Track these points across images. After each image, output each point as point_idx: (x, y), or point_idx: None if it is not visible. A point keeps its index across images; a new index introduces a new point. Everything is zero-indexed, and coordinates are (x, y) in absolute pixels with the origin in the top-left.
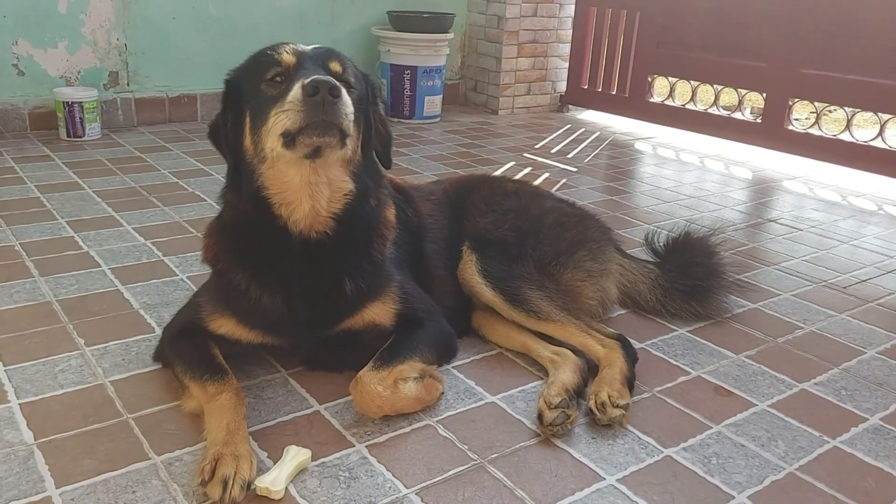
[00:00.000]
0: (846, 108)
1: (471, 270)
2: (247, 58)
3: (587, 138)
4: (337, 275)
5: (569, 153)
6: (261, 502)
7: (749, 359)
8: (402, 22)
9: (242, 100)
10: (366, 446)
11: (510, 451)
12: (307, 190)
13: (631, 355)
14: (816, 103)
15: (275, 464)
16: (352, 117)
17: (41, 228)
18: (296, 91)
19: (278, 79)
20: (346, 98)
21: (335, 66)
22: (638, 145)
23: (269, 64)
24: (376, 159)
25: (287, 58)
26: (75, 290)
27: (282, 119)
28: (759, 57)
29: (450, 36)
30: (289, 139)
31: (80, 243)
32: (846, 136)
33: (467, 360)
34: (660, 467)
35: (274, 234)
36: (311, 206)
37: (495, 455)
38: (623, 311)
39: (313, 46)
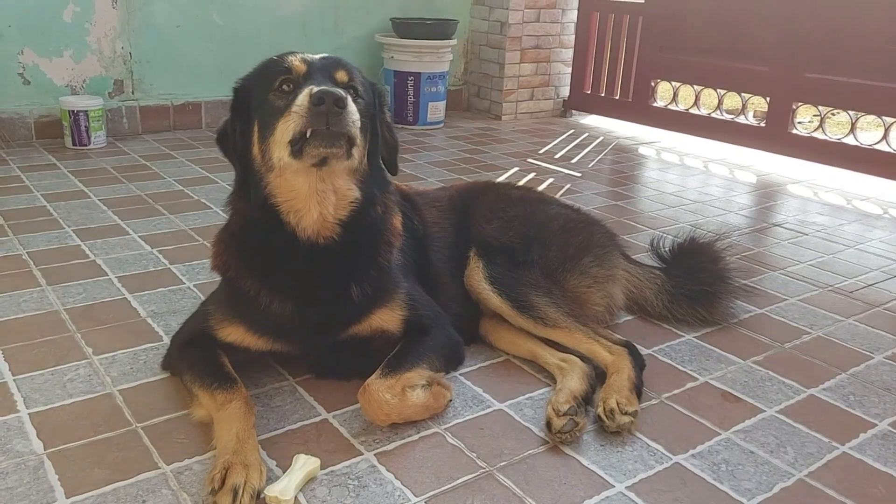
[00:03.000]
0: (850, 112)
1: (477, 277)
2: (255, 66)
3: (591, 143)
4: (344, 280)
5: (572, 158)
6: None
7: (756, 364)
8: (406, 28)
9: (251, 108)
10: (374, 454)
11: (519, 459)
12: (315, 197)
13: (638, 362)
14: (820, 107)
15: (284, 472)
16: (358, 126)
17: (48, 237)
18: (302, 98)
19: (286, 88)
20: (352, 107)
21: (342, 76)
22: (642, 150)
23: (278, 73)
24: (382, 166)
25: (295, 67)
26: (83, 299)
27: (289, 127)
28: (761, 61)
29: (453, 42)
30: (296, 149)
31: (87, 252)
32: (850, 140)
33: (475, 368)
34: (669, 474)
35: (282, 241)
36: (319, 213)
37: (504, 463)
38: (630, 317)
39: (321, 56)
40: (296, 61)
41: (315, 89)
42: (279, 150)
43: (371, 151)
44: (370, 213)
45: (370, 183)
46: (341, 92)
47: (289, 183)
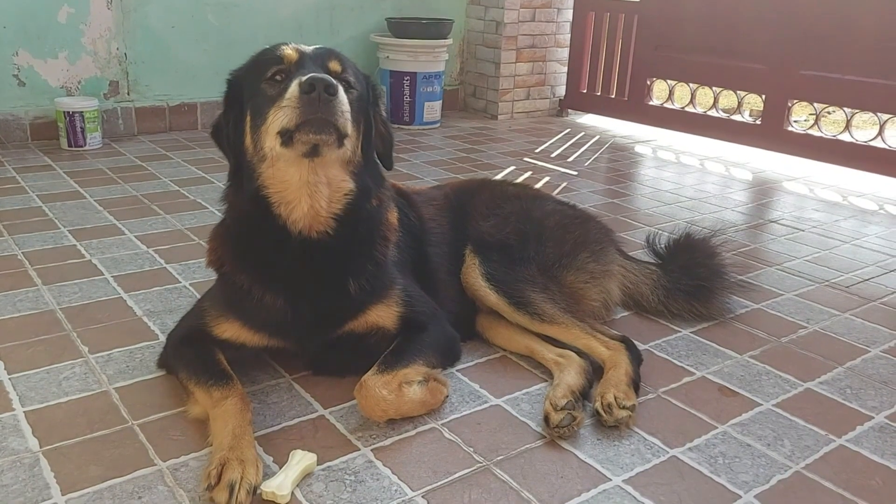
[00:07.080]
0: (845, 109)
1: (474, 274)
2: (249, 58)
3: (587, 142)
4: (340, 275)
5: (569, 157)
6: None
7: (753, 359)
8: (401, 28)
9: (243, 99)
10: (371, 450)
11: (516, 454)
12: (306, 189)
13: (635, 357)
14: (815, 104)
15: (280, 468)
16: (348, 116)
17: (43, 238)
18: (293, 89)
19: (278, 77)
20: (343, 96)
21: (335, 66)
22: (638, 148)
23: (270, 62)
24: (377, 161)
25: (288, 56)
26: (78, 299)
27: (279, 116)
28: (757, 59)
29: (448, 42)
30: (286, 137)
31: (83, 252)
32: (846, 137)
33: (471, 364)
34: (666, 467)
35: (275, 234)
36: (310, 206)
37: (501, 457)
38: (626, 313)
39: (314, 47)
40: (288, 51)
41: (304, 77)
42: (270, 139)
43: (365, 144)
44: (365, 206)
45: (365, 175)
46: (331, 79)
47: (280, 173)
